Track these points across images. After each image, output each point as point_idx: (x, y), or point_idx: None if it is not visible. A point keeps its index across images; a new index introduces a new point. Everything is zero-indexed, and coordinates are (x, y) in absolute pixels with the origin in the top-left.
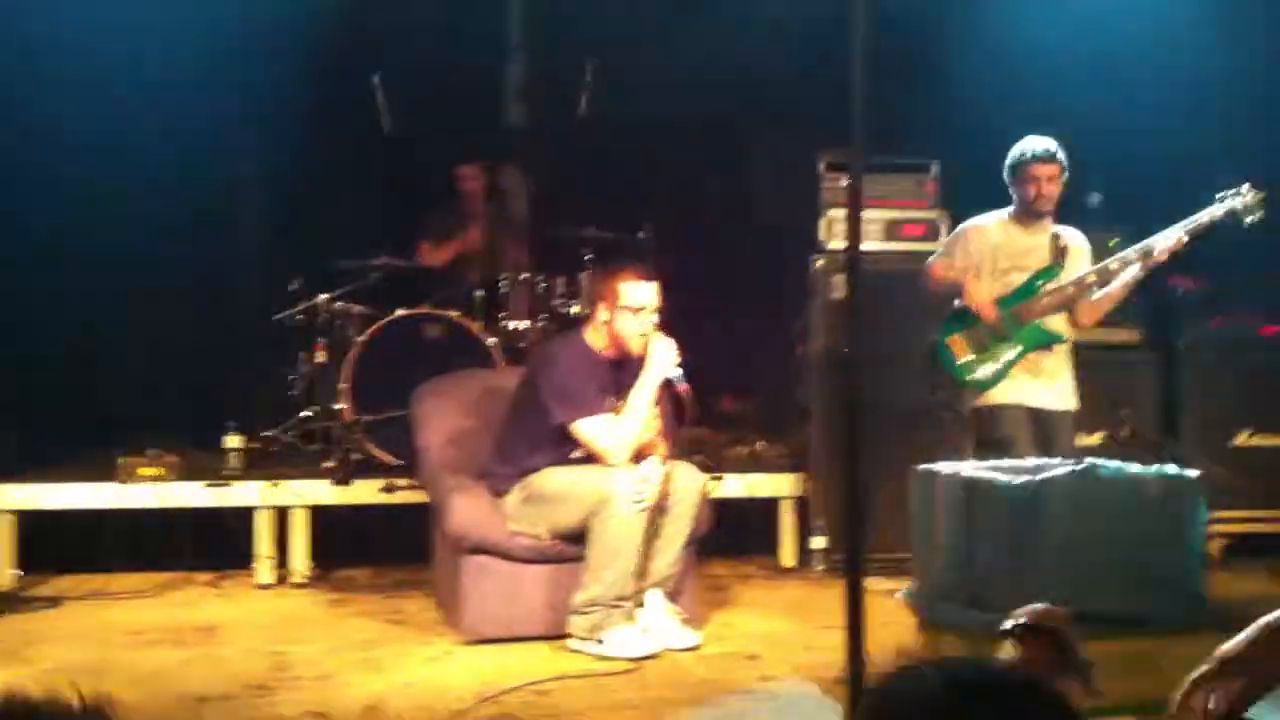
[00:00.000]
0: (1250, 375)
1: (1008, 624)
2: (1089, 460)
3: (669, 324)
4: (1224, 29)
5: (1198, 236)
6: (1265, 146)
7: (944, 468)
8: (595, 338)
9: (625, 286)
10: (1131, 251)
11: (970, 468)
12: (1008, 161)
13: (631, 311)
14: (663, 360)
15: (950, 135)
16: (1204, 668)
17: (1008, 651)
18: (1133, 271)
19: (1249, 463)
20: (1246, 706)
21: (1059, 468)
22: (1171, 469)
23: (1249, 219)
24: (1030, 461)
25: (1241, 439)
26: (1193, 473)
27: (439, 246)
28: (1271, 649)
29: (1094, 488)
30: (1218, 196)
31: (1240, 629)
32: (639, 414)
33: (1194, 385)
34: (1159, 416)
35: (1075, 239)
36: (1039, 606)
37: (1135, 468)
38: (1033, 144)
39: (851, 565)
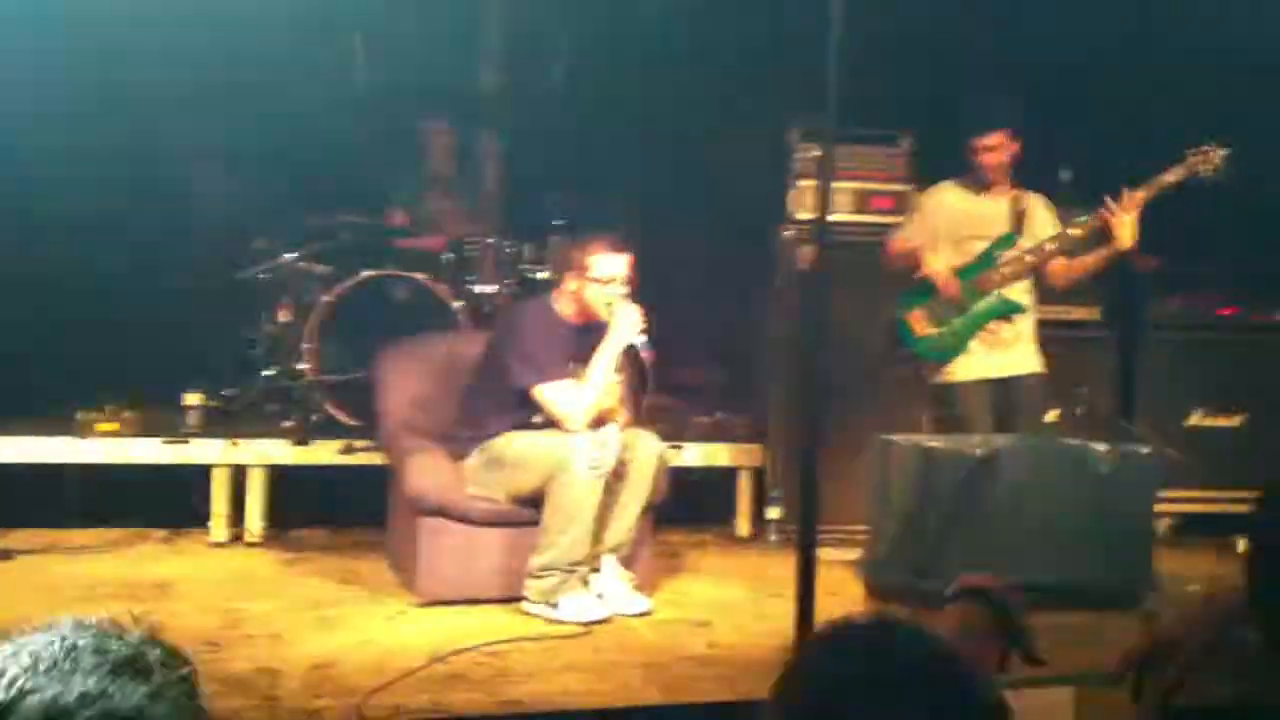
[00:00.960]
0: (1207, 356)
1: (948, 590)
2: (1044, 434)
3: (635, 291)
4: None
5: (1163, 194)
6: (1231, 120)
7: (901, 438)
8: (563, 304)
9: (596, 258)
10: (1093, 216)
11: (927, 438)
12: (966, 123)
13: (600, 283)
14: (626, 327)
15: (923, 107)
16: (1143, 646)
17: (944, 617)
18: (1102, 250)
19: (1202, 442)
20: (1183, 686)
21: (1014, 440)
22: (1126, 446)
23: (1215, 178)
24: (986, 434)
25: (1195, 419)
26: (1146, 450)
27: (414, 226)
28: (1208, 629)
29: (1048, 461)
30: (1185, 152)
31: (1183, 606)
32: (599, 380)
33: (1151, 364)
34: (1115, 394)
35: (1036, 202)
36: (981, 574)
37: (1090, 443)
38: (978, 111)
39: (804, 534)
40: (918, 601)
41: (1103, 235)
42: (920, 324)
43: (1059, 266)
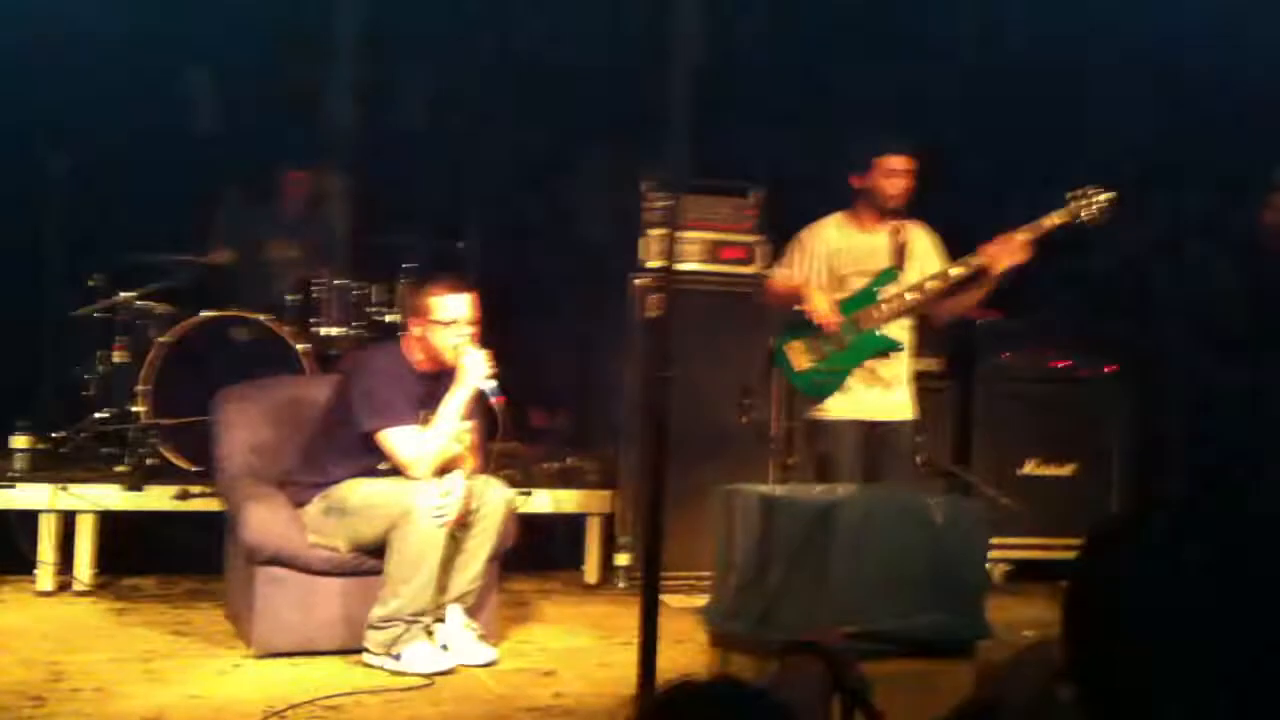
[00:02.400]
0: (1040, 407)
1: (782, 644)
2: (881, 483)
3: (485, 335)
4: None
5: (1044, 236)
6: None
7: (744, 487)
8: (412, 351)
9: (437, 300)
10: (973, 256)
11: (769, 487)
12: (868, 156)
13: (443, 325)
14: (474, 372)
15: (772, 161)
16: (968, 700)
17: (780, 671)
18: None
19: (1034, 491)
20: None
21: (853, 490)
22: (961, 494)
23: (1094, 221)
24: (829, 484)
25: (1029, 467)
26: (978, 499)
27: (250, 269)
28: (1027, 682)
29: (885, 510)
30: (1067, 196)
31: (1011, 656)
32: (446, 427)
33: (987, 414)
34: (954, 443)
35: (917, 234)
36: (817, 628)
37: (926, 492)
38: (889, 138)
39: (649, 583)
40: (760, 651)
41: (980, 274)
42: (800, 357)
43: (940, 305)
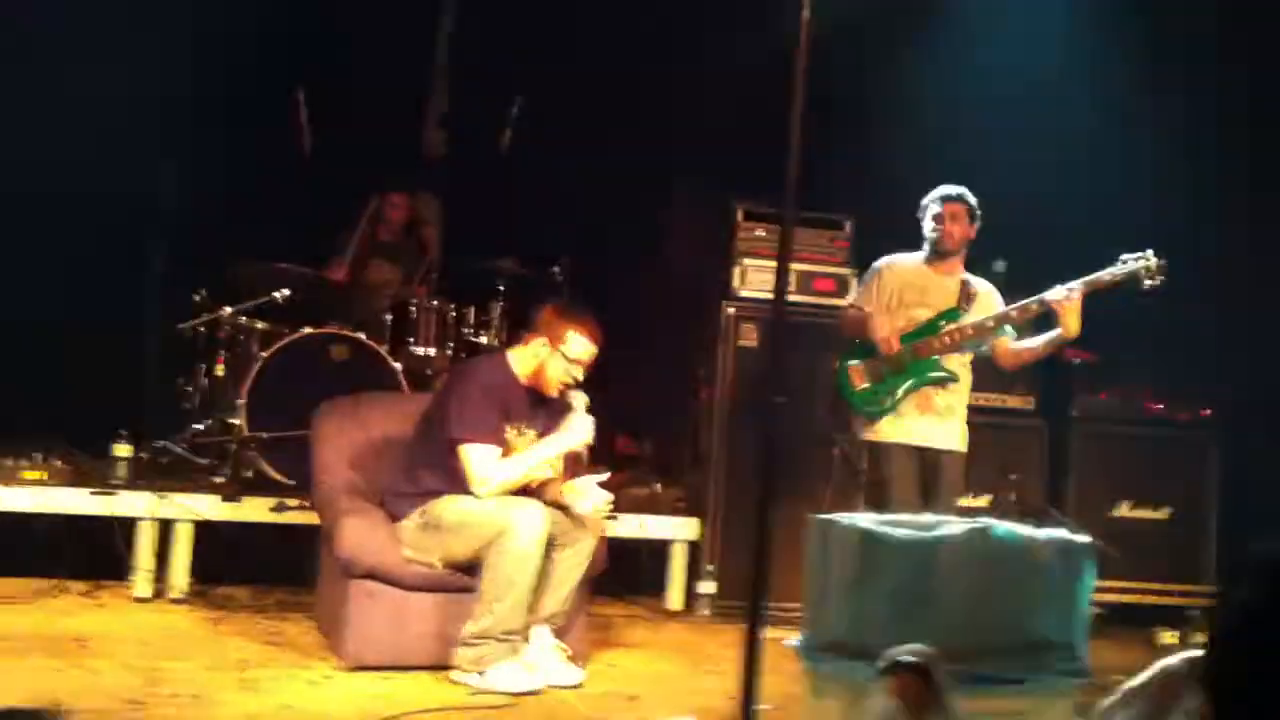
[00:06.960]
0: (1134, 449)
1: (881, 662)
2: (983, 520)
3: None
4: (1136, 101)
5: (1097, 292)
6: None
7: (842, 518)
8: (520, 362)
9: (575, 335)
10: (1033, 301)
11: (867, 520)
12: (922, 203)
13: (567, 360)
14: (577, 434)
15: (863, 195)
16: (1111, 699)
17: (880, 691)
18: (1049, 336)
19: (1126, 534)
20: None
21: (955, 525)
22: (1064, 534)
23: (1147, 284)
24: (927, 517)
25: (1121, 510)
26: (1084, 539)
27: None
28: (1165, 687)
29: (988, 548)
30: (1121, 258)
31: (1110, 695)
32: (529, 465)
33: (1080, 455)
34: (1045, 483)
35: (984, 288)
36: (911, 647)
37: (1028, 530)
38: (942, 187)
39: (752, 611)
40: (855, 686)
41: (1042, 321)
42: (859, 377)
43: (1005, 349)
